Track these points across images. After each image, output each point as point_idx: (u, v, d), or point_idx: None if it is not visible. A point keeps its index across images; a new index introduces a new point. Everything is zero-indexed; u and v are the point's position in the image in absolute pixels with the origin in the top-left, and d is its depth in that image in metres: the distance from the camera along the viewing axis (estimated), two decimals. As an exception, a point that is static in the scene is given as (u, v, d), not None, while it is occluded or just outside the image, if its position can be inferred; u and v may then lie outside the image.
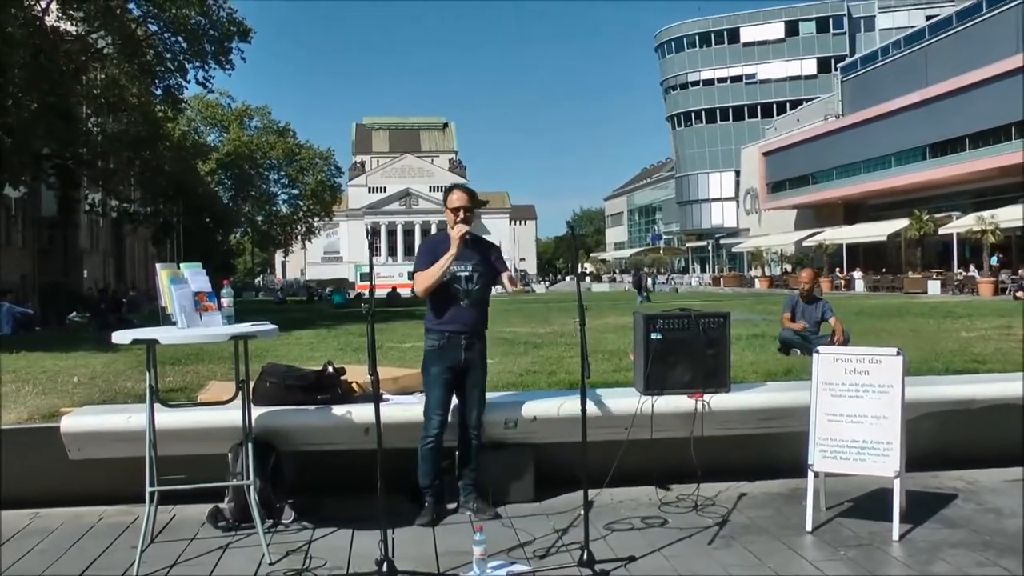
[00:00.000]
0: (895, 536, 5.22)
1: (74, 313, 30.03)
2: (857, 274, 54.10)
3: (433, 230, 78.40)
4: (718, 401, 6.28)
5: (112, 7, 30.85)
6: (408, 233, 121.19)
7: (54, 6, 30.29)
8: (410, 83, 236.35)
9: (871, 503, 5.83)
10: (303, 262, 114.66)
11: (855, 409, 5.47)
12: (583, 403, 5.03)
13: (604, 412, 6.13)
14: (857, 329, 11.47)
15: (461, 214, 5.82)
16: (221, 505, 5.69)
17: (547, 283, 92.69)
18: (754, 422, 6.41)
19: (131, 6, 33.97)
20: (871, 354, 5.54)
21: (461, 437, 5.91)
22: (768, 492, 6.26)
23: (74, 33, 32.15)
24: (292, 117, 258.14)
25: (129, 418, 5.87)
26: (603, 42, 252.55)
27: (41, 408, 6.65)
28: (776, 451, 6.33)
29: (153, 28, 35.58)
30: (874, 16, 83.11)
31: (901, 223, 51.30)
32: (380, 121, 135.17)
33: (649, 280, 53.07)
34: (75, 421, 5.98)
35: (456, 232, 5.72)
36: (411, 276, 6.02)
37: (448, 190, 6.04)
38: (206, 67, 36.39)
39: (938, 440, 6.49)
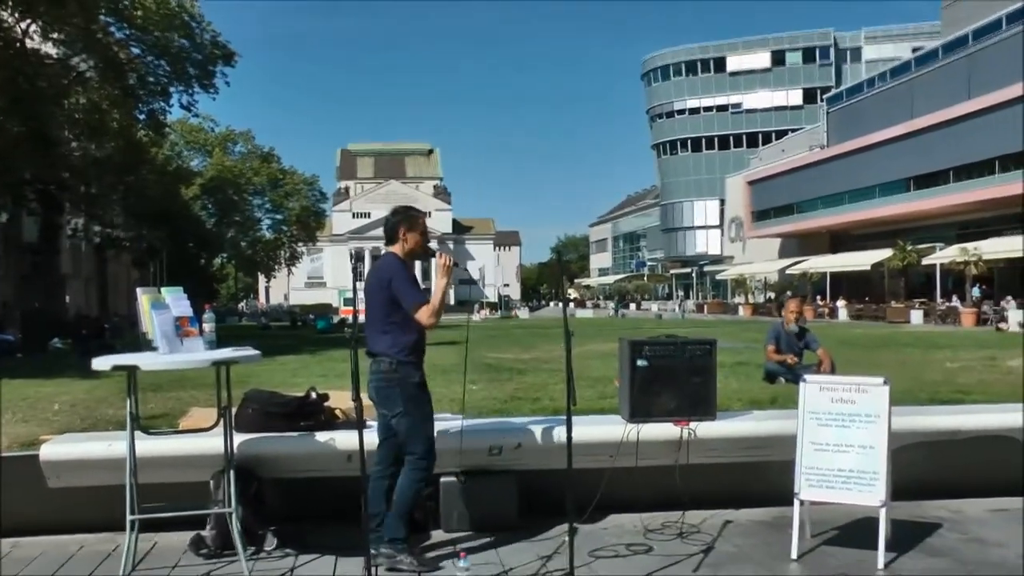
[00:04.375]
0: (880, 565, 5.21)
1: (56, 339, 29.81)
2: (840, 303, 54.26)
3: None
4: (704, 429, 6.26)
5: (93, 30, 30.69)
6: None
7: (34, 28, 30.17)
8: (395, 109, 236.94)
9: (856, 532, 5.81)
10: (287, 287, 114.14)
11: (841, 438, 5.46)
12: (569, 430, 4.98)
13: (589, 439, 6.08)
14: (842, 359, 11.47)
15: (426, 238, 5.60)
16: (203, 532, 5.62)
17: (529, 308, 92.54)
18: (740, 450, 6.40)
19: (113, 29, 33.87)
20: (857, 383, 5.54)
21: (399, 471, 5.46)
22: (753, 520, 6.24)
23: (55, 56, 32.02)
24: (276, 142, 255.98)
25: (109, 446, 5.80)
26: (589, 69, 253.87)
27: (20, 436, 6.59)
28: (762, 479, 6.31)
29: (136, 51, 35.50)
30: (860, 47, 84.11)
31: (885, 253, 51.62)
32: (365, 147, 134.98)
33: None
34: (55, 449, 5.91)
35: (444, 261, 5.38)
36: None
37: (411, 215, 5.66)
38: (190, 91, 36.41)
39: (923, 470, 6.48)
